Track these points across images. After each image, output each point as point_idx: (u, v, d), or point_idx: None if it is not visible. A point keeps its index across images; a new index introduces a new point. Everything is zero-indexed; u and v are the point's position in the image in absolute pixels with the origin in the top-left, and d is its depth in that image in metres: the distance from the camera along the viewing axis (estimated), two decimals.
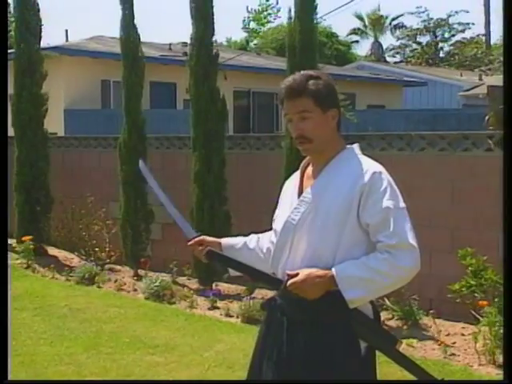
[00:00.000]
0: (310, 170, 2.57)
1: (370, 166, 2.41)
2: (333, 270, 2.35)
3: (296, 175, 2.64)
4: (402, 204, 2.39)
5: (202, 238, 2.72)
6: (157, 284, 6.91)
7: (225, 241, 2.78)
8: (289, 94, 2.46)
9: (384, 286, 2.39)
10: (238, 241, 2.79)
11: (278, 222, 2.56)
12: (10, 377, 3.49)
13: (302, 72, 2.53)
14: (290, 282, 2.38)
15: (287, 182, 2.70)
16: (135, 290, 7.31)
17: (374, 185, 2.36)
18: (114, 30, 73.10)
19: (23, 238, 8.37)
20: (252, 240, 2.78)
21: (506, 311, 2.88)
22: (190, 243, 2.71)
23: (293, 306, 2.42)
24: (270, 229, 2.68)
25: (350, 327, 2.41)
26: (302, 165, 2.63)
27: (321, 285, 2.35)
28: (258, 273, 2.53)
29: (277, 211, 2.66)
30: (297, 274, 2.38)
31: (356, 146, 2.54)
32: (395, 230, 2.33)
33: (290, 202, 2.55)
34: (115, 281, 7.57)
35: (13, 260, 8.26)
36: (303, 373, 2.39)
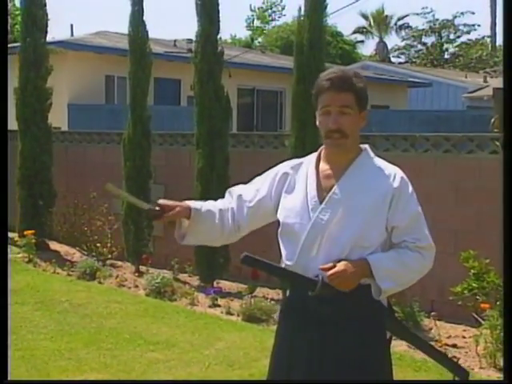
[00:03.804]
0: (325, 167, 2.52)
1: (395, 169, 2.51)
2: (368, 259, 2.40)
3: (304, 169, 2.56)
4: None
5: (162, 202, 2.51)
6: (158, 281, 6.90)
7: (194, 206, 2.56)
8: (337, 86, 2.41)
9: (408, 281, 2.51)
10: (204, 207, 2.59)
11: (291, 214, 2.50)
12: (10, 377, 3.48)
13: (344, 68, 2.56)
14: (330, 272, 2.35)
15: (290, 170, 2.59)
16: (136, 286, 7.30)
17: (404, 189, 2.46)
18: (119, 25, 73.10)
19: (25, 232, 8.37)
20: (216, 210, 2.60)
21: (507, 311, 2.89)
22: (158, 209, 2.48)
23: (325, 302, 2.40)
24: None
25: (382, 320, 2.47)
26: (313, 160, 2.57)
27: (358, 273, 2.38)
28: (293, 275, 2.47)
29: (260, 190, 2.59)
30: (333, 266, 2.37)
31: (369, 147, 2.56)
32: (424, 232, 2.50)
33: (302, 197, 2.49)
34: (116, 277, 7.56)
35: (14, 254, 8.27)
36: (336, 369, 2.39)
